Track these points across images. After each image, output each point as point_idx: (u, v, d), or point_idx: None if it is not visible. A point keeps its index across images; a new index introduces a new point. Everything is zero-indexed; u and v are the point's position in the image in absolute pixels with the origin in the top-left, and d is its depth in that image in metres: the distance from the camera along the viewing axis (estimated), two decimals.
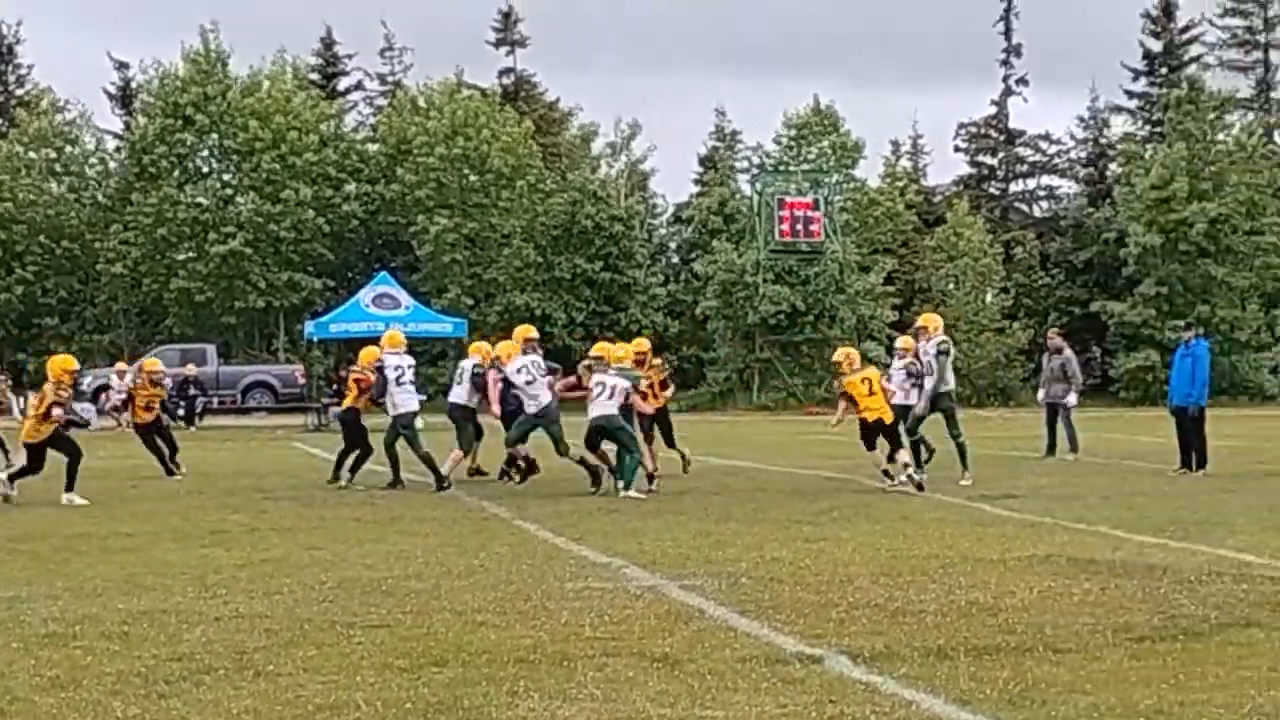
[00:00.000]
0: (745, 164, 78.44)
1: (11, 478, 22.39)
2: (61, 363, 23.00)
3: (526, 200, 68.54)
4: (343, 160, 68.83)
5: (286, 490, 24.18)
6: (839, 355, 23.76)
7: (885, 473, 23.17)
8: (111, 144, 72.40)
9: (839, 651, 10.45)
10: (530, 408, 23.18)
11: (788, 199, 66.83)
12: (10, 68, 77.54)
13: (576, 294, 68.80)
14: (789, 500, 21.59)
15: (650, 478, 23.31)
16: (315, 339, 54.61)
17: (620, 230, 69.90)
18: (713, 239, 69.80)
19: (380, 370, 24.32)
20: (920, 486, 22.31)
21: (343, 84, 79.75)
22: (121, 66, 77.48)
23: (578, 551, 16.03)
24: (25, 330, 66.91)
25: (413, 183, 67.06)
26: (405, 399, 24.22)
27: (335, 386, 49.17)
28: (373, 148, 72.00)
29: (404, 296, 51.77)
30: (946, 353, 24.58)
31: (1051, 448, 29.60)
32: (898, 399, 29.39)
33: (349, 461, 24.68)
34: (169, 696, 9.34)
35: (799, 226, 66.55)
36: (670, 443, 25.37)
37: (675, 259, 77.32)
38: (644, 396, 24.11)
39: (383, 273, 56.37)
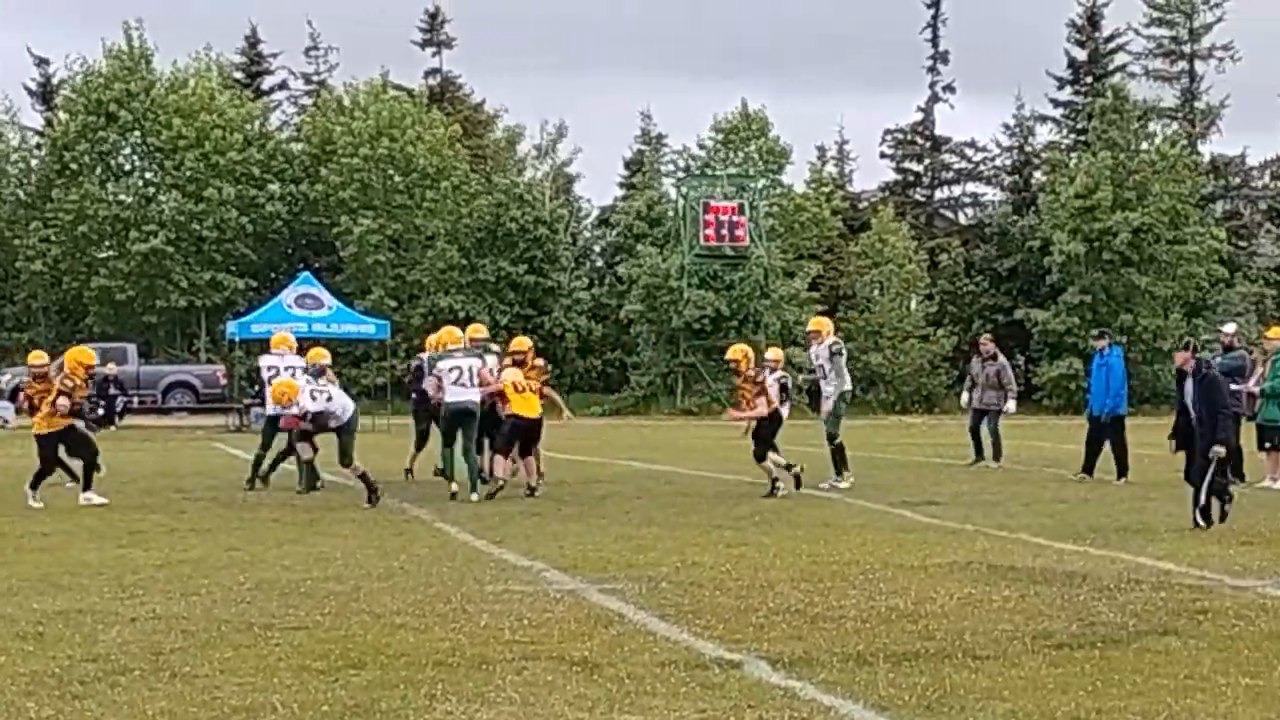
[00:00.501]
0: (671, 168, 78.48)
1: (33, 485, 21.85)
2: (77, 354, 22.35)
3: (451, 202, 68.37)
4: (267, 160, 68.49)
5: (205, 491, 24.04)
6: (737, 353, 23.59)
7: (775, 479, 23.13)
8: (32, 140, 71.81)
9: (759, 656, 10.45)
10: None
11: (713, 203, 66.84)
12: None
13: (500, 297, 68.68)
14: (711, 505, 21.60)
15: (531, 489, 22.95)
16: (237, 339, 54.30)
17: (545, 233, 69.83)
18: (638, 243, 69.78)
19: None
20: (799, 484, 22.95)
21: (267, 83, 79.34)
22: (42, 62, 76.87)
23: (498, 555, 15.99)
24: None
25: (337, 183, 66.82)
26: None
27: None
28: (297, 147, 71.68)
29: (327, 297, 51.58)
30: (840, 353, 24.66)
31: (979, 453, 29.61)
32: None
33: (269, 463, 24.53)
34: (84, 698, 9.26)
35: (724, 231, 66.57)
36: (524, 451, 23.62)
37: (600, 262, 77.28)
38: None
39: (306, 273, 56.11)
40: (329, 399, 22.26)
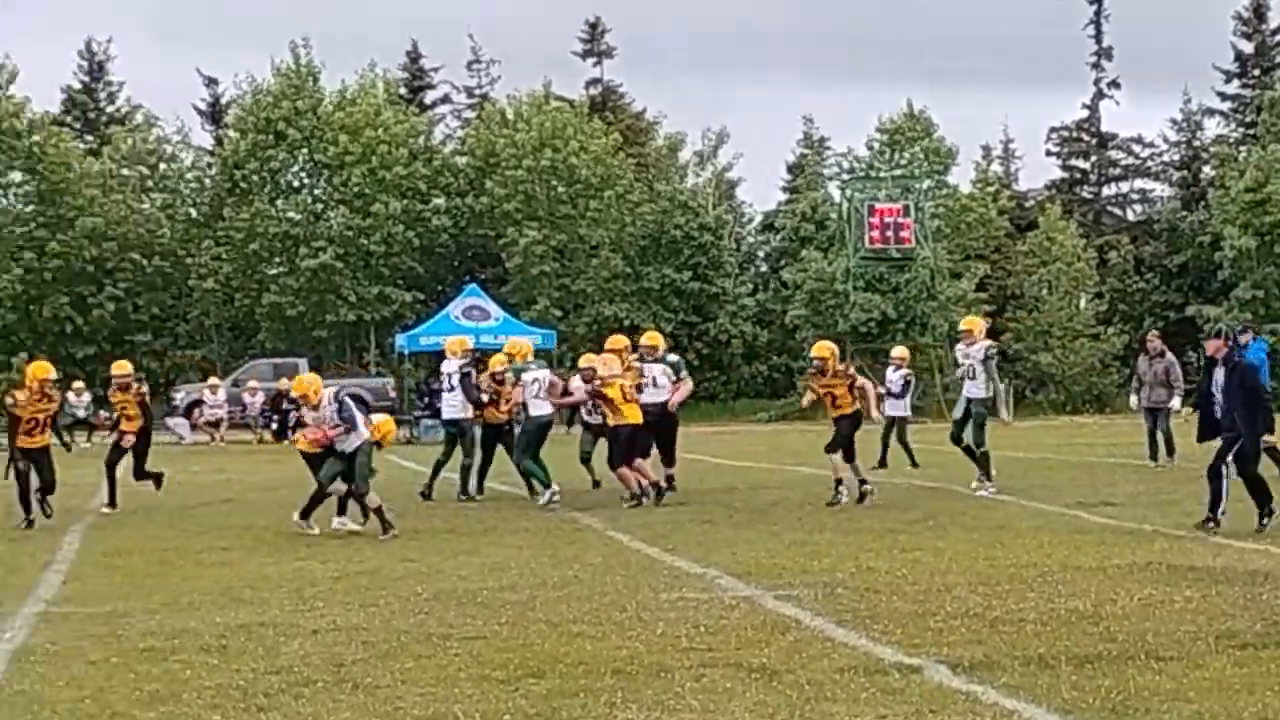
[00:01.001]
0: (834, 170, 78.14)
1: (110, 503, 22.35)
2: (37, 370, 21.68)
3: (615, 211, 68.53)
4: (432, 174, 68.94)
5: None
6: (824, 350, 22.88)
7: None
8: (204, 160, 72.87)
9: (938, 661, 10.38)
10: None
11: (878, 205, 66.49)
12: (101, 85, 78.18)
13: (665, 304, 68.74)
14: (882, 510, 21.46)
15: (657, 489, 22.82)
16: (406, 351, 54.78)
17: (709, 240, 69.83)
18: (802, 247, 69.60)
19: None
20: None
21: (430, 97, 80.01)
22: (211, 82, 78.11)
23: (671, 562, 15.99)
24: (118, 347, 67.38)
25: (501, 195, 67.17)
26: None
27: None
28: (461, 160, 72.12)
29: (493, 308, 51.92)
30: (993, 358, 24.24)
31: (1154, 453, 29.18)
32: (893, 409, 29.26)
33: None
34: (268, 709, 9.37)
35: (889, 233, 66.20)
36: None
37: (764, 267, 77.06)
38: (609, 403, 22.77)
39: (472, 285, 56.54)
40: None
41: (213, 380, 50.89)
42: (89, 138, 74.10)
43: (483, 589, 14.28)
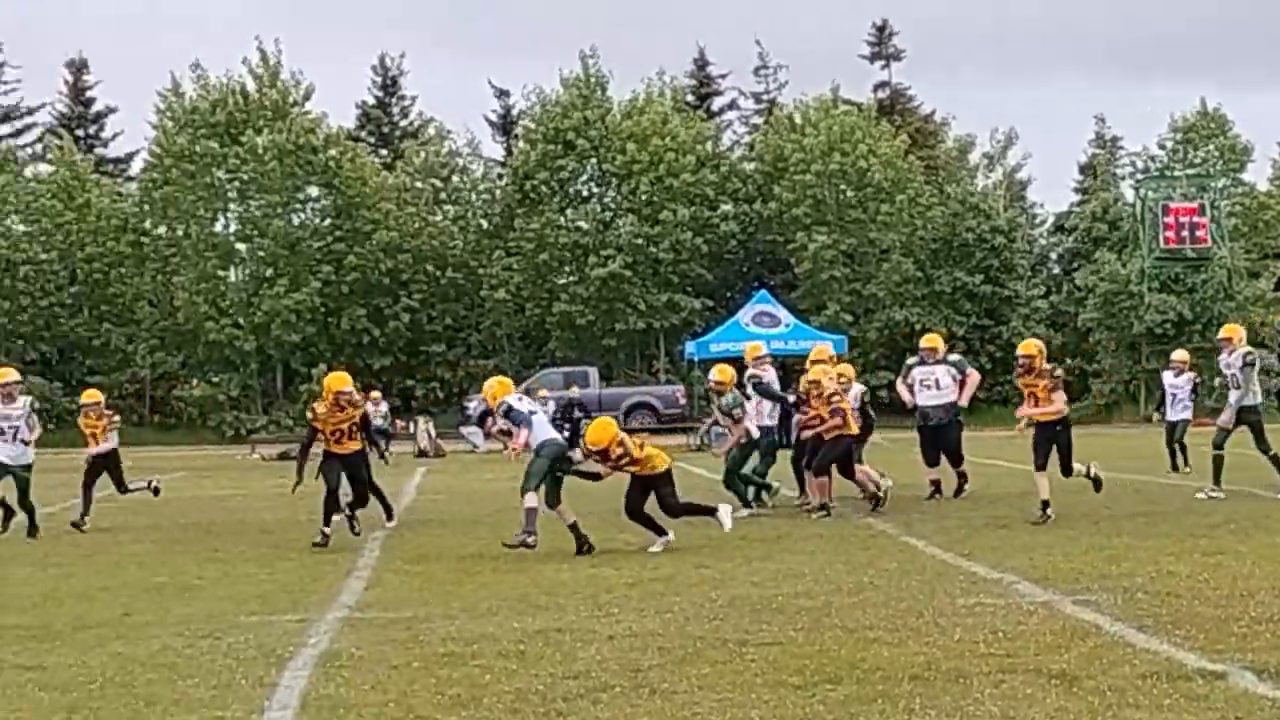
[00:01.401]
0: (1128, 170, 76.79)
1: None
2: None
3: (906, 214, 68.16)
4: (720, 180, 69.23)
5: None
6: (1031, 348, 21.47)
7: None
8: (494, 171, 74.08)
9: (1243, 667, 10.12)
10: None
11: (1172, 205, 65.26)
12: (395, 99, 79.87)
13: (956, 308, 68.19)
14: (1180, 514, 21.00)
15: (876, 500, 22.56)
16: (696, 359, 55.04)
17: (1001, 242, 69.14)
18: (1095, 248, 68.55)
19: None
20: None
21: (717, 104, 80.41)
22: (502, 94, 79.41)
23: (967, 567, 15.81)
24: (413, 357, 68.76)
25: (790, 200, 67.17)
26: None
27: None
28: (749, 166, 72.28)
29: (783, 314, 51.96)
30: (1253, 364, 23.48)
31: None
32: (1177, 413, 28.35)
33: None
34: (567, 714, 9.45)
35: (1185, 233, 64.98)
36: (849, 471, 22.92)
37: (1056, 269, 75.99)
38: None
39: (761, 291, 56.64)
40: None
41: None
42: (383, 152, 75.79)
43: (777, 595, 14.25)
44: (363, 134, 76.68)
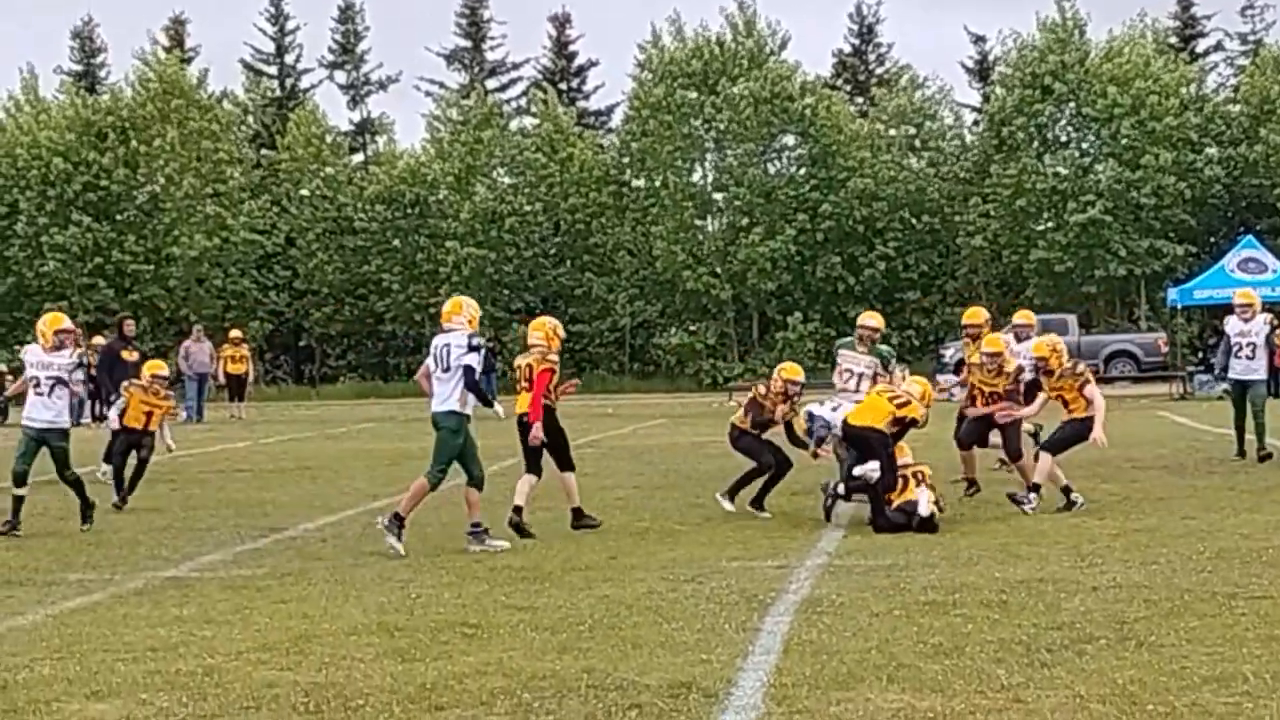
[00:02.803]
0: None
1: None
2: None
3: None
4: (1204, 123, 67.27)
5: (1155, 459, 23.83)
6: (1043, 349, 18.94)
7: None
8: (970, 117, 73.42)
9: None
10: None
11: None
12: (870, 47, 79.77)
13: None
14: None
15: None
16: (1179, 306, 53.68)
17: None
18: None
19: None
20: None
21: (1202, 45, 78.07)
22: (978, 40, 78.57)
23: None
24: (888, 305, 68.60)
25: (1277, 143, 64.85)
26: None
27: (1201, 355, 48.43)
28: (1234, 109, 70.01)
29: (1271, 260, 50.22)
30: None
31: None
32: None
33: None
34: (1052, 665, 9.36)
35: None
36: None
37: None
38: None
39: (1248, 236, 54.85)
40: None
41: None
42: (859, 100, 75.74)
43: (1268, 547, 13.87)
44: (839, 82, 76.76)
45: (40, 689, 9.41)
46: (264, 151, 74.63)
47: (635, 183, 69.90)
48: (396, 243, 69.88)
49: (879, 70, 78.73)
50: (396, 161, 73.08)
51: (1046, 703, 8.42)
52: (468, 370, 15.34)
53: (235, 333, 49.70)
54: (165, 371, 20.29)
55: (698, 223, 69.17)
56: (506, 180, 71.25)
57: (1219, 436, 24.58)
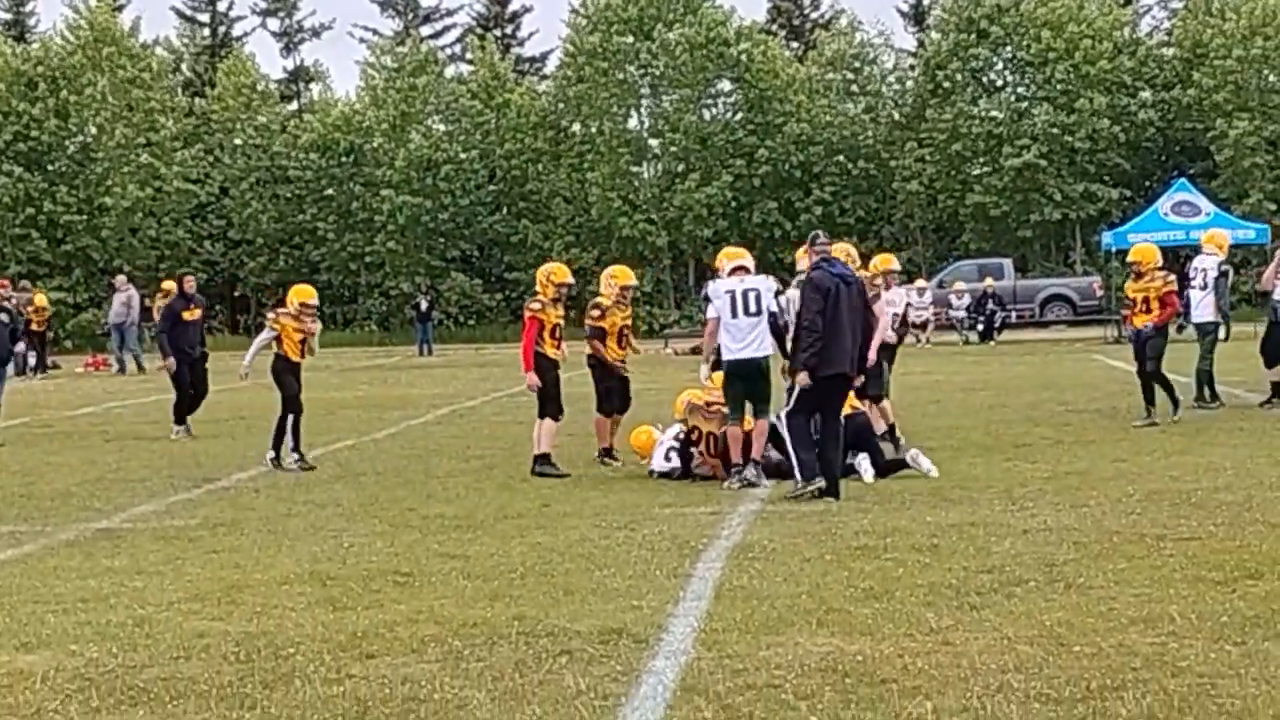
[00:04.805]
0: None
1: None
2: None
3: None
4: (1138, 67, 67.50)
5: (1088, 403, 23.97)
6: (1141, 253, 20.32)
7: None
8: (906, 61, 73.44)
9: None
10: None
11: None
12: None
13: None
14: None
15: None
16: (1113, 249, 53.97)
17: None
18: None
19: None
20: None
21: None
22: None
23: None
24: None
25: (1210, 86, 65.10)
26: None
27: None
28: (1168, 52, 70.27)
29: (1204, 203, 50.44)
30: (1226, 275, 21.21)
31: None
32: None
33: None
34: (981, 608, 9.41)
35: None
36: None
37: None
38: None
39: (1181, 180, 55.08)
40: None
41: (919, 283, 51.13)
42: (794, 45, 75.67)
43: (1196, 489, 13.97)
44: (774, 27, 76.69)
45: None
46: (196, 100, 74.05)
47: (572, 128, 69.68)
48: (331, 191, 69.57)
49: (814, 15, 78.72)
50: (331, 110, 72.72)
51: (974, 645, 8.46)
52: (773, 315, 15.62)
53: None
54: (314, 300, 19.37)
55: (633, 169, 69.13)
56: (441, 128, 71.01)
57: (1125, 374, 24.75)
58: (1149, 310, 20.17)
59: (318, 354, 19.64)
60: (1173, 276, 20.79)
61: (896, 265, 20.16)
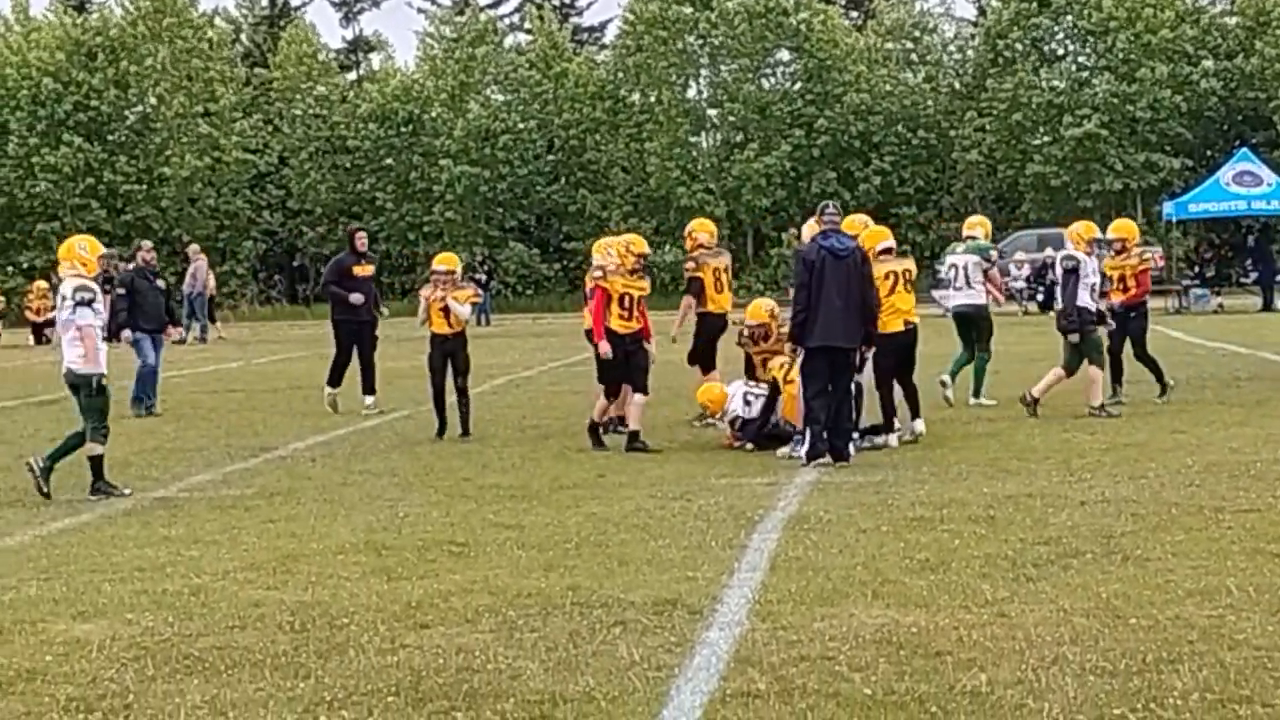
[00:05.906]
0: None
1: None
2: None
3: None
4: (1200, 35, 66.99)
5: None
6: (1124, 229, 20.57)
7: None
8: (967, 31, 73.04)
9: None
10: None
11: None
12: None
13: None
14: None
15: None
16: (1174, 219, 53.59)
17: None
18: None
19: None
20: None
21: None
22: None
23: None
24: (884, 220, 68.04)
25: (1273, 55, 64.55)
26: None
27: (1197, 269, 48.55)
28: (1231, 21, 69.70)
29: (1266, 173, 50.06)
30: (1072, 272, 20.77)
31: None
32: None
33: None
34: (1037, 580, 9.37)
35: None
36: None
37: None
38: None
39: (1243, 149, 54.66)
40: None
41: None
42: (854, 14, 75.37)
43: (1256, 461, 13.87)
44: None
45: (26, 609, 9.43)
46: (256, 70, 74.24)
47: (630, 98, 69.58)
48: (390, 161, 69.62)
49: None
50: (390, 80, 72.75)
51: (1030, 617, 8.42)
52: None
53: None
54: (442, 267, 18.79)
55: (692, 139, 68.99)
56: (500, 98, 71.00)
57: (1211, 351, 24.58)
58: (1126, 289, 20.24)
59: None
60: (1149, 255, 20.76)
61: (1098, 233, 20.13)
